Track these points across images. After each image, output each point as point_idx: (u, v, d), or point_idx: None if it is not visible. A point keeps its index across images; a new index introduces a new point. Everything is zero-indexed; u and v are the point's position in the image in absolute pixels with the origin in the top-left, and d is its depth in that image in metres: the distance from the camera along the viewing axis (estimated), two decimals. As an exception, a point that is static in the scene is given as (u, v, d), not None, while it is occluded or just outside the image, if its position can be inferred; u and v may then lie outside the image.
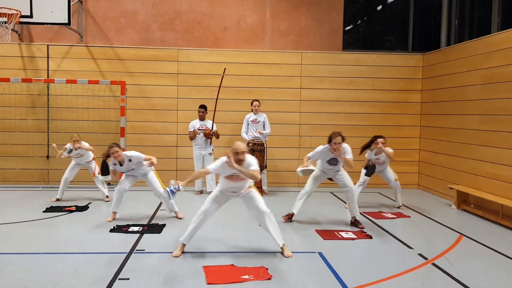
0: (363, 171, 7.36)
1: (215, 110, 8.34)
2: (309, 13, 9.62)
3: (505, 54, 7.01)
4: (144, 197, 8.03)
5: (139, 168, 6.34)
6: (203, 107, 8.52)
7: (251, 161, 4.85)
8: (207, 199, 5.14)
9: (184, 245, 5.02)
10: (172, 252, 4.99)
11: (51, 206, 7.16)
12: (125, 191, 6.37)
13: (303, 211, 6.75)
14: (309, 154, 6.20)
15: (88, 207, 7.22)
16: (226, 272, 4.44)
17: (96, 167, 7.66)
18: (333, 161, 6.19)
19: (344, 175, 6.32)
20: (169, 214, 6.70)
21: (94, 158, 7.77)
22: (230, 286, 4.11)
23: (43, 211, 6.88)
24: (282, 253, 5.00)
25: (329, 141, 6.04)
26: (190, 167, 8.61)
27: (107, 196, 7.73)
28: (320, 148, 6.18)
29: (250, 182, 5.10)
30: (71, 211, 6.91)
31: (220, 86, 8.33)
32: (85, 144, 7.49)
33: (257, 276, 4.33)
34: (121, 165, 6.21)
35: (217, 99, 8.36)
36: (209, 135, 8.37)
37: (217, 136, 8.56)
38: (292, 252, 5.03)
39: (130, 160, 6.16)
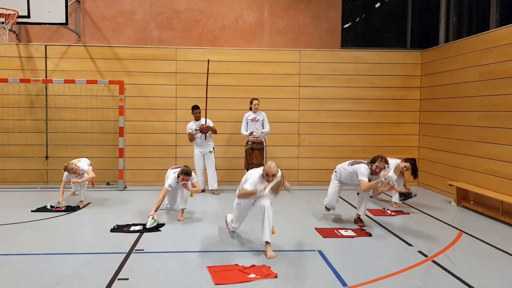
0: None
1: (206, 108, 8.29)
2: (307, 11, 9.60)
3: (503, 50, 7.00)
4: (144, 197, 8.04)
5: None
6: (197, 107, 8.45)
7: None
8: (233, 217, 5.56)
9: None
10: (171, 252, 4.99)
11: (44, 206, 7.06)
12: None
13: (302, 209, 6.73)
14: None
15: (80, 207, 7.15)
16: (232, 271, 4.41)
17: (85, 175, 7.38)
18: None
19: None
20: (167, 215, 6.74)
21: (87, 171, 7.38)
22: (238, 286, 4.10)
23: (32, 211, 6.80)
24: (265, 252, 4.93)
25: (373, 162, 5.99)
26: (190, 166, 8.54)
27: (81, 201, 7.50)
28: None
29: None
30: (60, 211, 6.84)
31: (207, 83, 8.32)
32: (84, 166, 7.29)
33: (262, 275, 4.32)
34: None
35: (206, 96, 8.31)
36: (205, 130, 8.30)
37: (214, 131, 8.46)
38: (292, 251, 5.02)
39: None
